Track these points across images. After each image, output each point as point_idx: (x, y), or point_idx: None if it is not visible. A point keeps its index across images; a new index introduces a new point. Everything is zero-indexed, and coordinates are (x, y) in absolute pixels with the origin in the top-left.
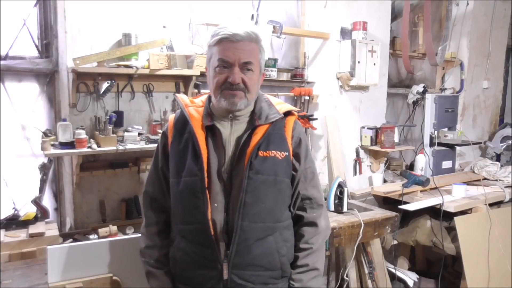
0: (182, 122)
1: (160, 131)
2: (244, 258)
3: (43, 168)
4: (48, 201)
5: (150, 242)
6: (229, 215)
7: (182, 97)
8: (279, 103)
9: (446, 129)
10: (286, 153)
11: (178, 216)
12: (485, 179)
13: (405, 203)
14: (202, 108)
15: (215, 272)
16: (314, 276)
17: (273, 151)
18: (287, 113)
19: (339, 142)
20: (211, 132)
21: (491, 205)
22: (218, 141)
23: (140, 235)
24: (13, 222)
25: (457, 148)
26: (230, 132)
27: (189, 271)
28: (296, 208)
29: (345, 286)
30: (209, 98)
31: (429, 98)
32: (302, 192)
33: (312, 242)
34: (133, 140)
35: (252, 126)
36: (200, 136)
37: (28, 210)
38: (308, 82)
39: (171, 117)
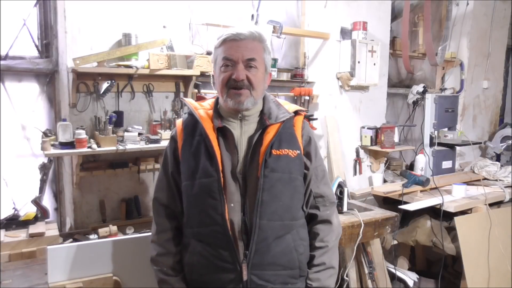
0: (192, 125)
1: (160, 131)
2: (263, 257)
3: (43, 168)
4: (48, 201)
5: (162, 250)
6: (246, 215)
7: (190, 101)
8: (286, 103)
9: (446, 129)
10: (298, 151)
11: (193, 219)
12: (485, 179)
13: (405, 203)
14: (210, 110)
15: (234, 274)
16: (331, 274)
17: (285, 149)
18: (295, 113)
19: (339, 142)
20: (222, 133)
21: (491, 205)
22: (230, 142)
23: (138, 234)
24: (13, 222)
25: (457, 148)
26: (241, 132)
27: (207, 275)
28: (309, 206)
29: (345, 286)
30: (217, 100)
31: (429, 98)
32: (314, 190)
33: (327, 240)
34: (133, 140)
35: (263, 126)
36: (213, 137)
37: (28, 210)
38: (308, 82)
39: (179, 121)
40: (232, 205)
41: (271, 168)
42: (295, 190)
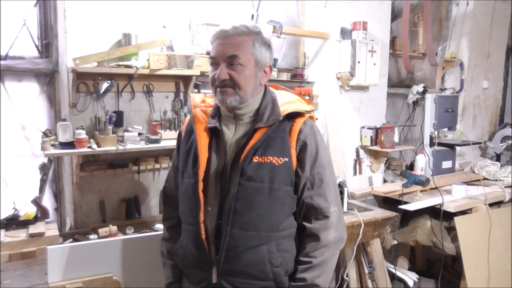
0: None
1: (160, 131)
2: (233, 265)
3: (43, 168)
4: (48, 201)
5: (165, 234)
6: (221, 220)
7: (194, 97)
8: (287, 103)
9: (446, 129)
10: (286, 159)
11: (182, 214)
12: (485, 179)
13: (405, 203)
14: (211, 108)
15: (206, 274)
16: None
17: (269, 157)
18: (297, 114)
19: (339, 142)
20: (217, 134)
21: (491, 205)
22: (221, 144)
23: (138, 234)
24: (13, 222)
25: (457, 148)
26: (234, 134)
27: (188, 269)
28: (302, 217)
29: (345, 286)
30: None
31: (429, 98)
32: (307, 201)
33: (314, 256)
34: (133, 140)
35: (253, 128)
36: (202, 138)
37: (28, 210)
38: (308, 82)
39: (188, 116)
40: (209, 208)
41: (248, 176)
42: (276, 200)
